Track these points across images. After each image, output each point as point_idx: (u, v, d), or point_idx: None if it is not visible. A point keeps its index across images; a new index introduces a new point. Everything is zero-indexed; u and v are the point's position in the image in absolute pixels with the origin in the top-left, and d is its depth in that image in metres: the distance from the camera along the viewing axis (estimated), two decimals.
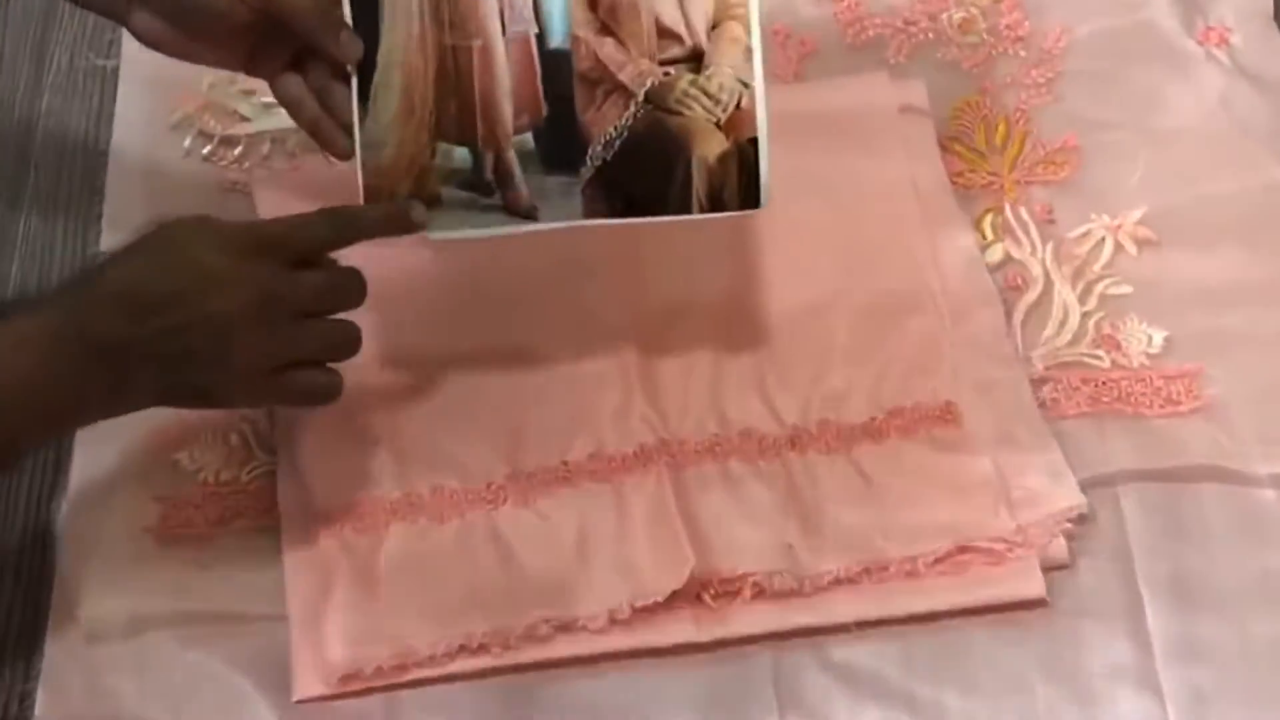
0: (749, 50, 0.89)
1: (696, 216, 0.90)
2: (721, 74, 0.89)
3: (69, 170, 1.10)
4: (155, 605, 0.90)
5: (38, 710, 0.87)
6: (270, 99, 0.98)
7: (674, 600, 0.87)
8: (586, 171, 0.90)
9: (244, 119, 1.10)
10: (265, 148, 1.09)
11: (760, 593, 0.88)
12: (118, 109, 1.12)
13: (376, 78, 0.89)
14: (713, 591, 0.88)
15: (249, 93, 1.10)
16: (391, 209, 0.89)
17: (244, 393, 0.88)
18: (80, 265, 1.02)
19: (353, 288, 0.87)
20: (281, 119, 1.05)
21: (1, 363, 0.80)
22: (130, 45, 1.10)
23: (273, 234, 0.87)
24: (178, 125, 1.10)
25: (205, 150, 1.09)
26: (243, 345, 0.83)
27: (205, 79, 1.10)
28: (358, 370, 0.93)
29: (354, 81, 0.89)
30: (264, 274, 0.84)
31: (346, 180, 0.90)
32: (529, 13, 0.90)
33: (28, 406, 0.81)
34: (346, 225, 0.88)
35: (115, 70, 1.13)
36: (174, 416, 0.94)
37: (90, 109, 1.12)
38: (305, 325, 0.86)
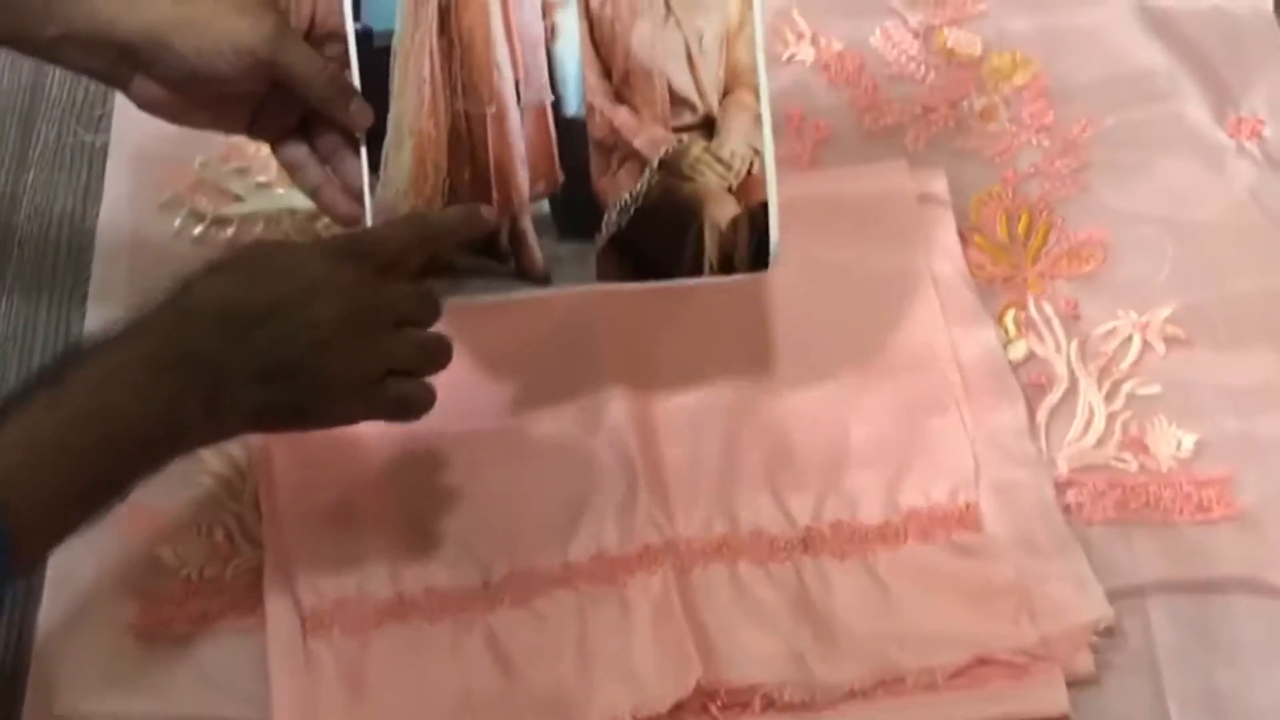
0: (759, 118, 0.90)
1: (707, 279, 0.90)
2: (732, 140, 0.90)
3: (53, 248, 1.10)
4: (133, 707, 0.90)
5: None
6: (264, 178, 0.98)
7: (679, 712, 0.86)
8: (602, 239, 0.91)
9: (237, 198, 1.10)
10: (258, 228, 1.09)
11: (770, 704, 0.87)
12: (106, 186, 1.11)
13: (387, 144, 0.90)
14: (720, 702, 0.87)
15: (242, 171, 1.10)
16: (467, 210, 0.90)
17: (342, 405, 0.87)
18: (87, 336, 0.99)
19: (436, 301, 0.88)
20: (276, 199, 1.06)
21: (96, 398, 0.78)
22: (121, 121, 1.11)
23: (362, 241, 0.88)
24: (168, 204, 1.10)
25: (196, 231, 1.09)
26: (343, 354, 0.83)
27: (197, 157, 1.10)
28: (348, 456, 0.94)
29: (364, 149, 0.90)
30: (359, 281, 0.84)
31: None
32: (544, 80, 0.91)
33: (125, 441, 0.79)
34: (429, 227, 0.89)
35: (104, 146, 1.13)
36: (154, 507, 0.94)
37: (77, 185, 1.12)
38: (401, 333, 0.86)
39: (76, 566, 0.94)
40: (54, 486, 0.76)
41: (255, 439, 0.97)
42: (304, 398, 0.84)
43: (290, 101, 0.91)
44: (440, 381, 0.96)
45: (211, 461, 0.97)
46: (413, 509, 0.95)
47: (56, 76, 1.17)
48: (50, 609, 0.93)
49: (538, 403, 0.98)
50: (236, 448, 0.97)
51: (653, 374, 0.99)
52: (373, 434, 0.95)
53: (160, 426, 0.80)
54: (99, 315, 1.04)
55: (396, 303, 0.86)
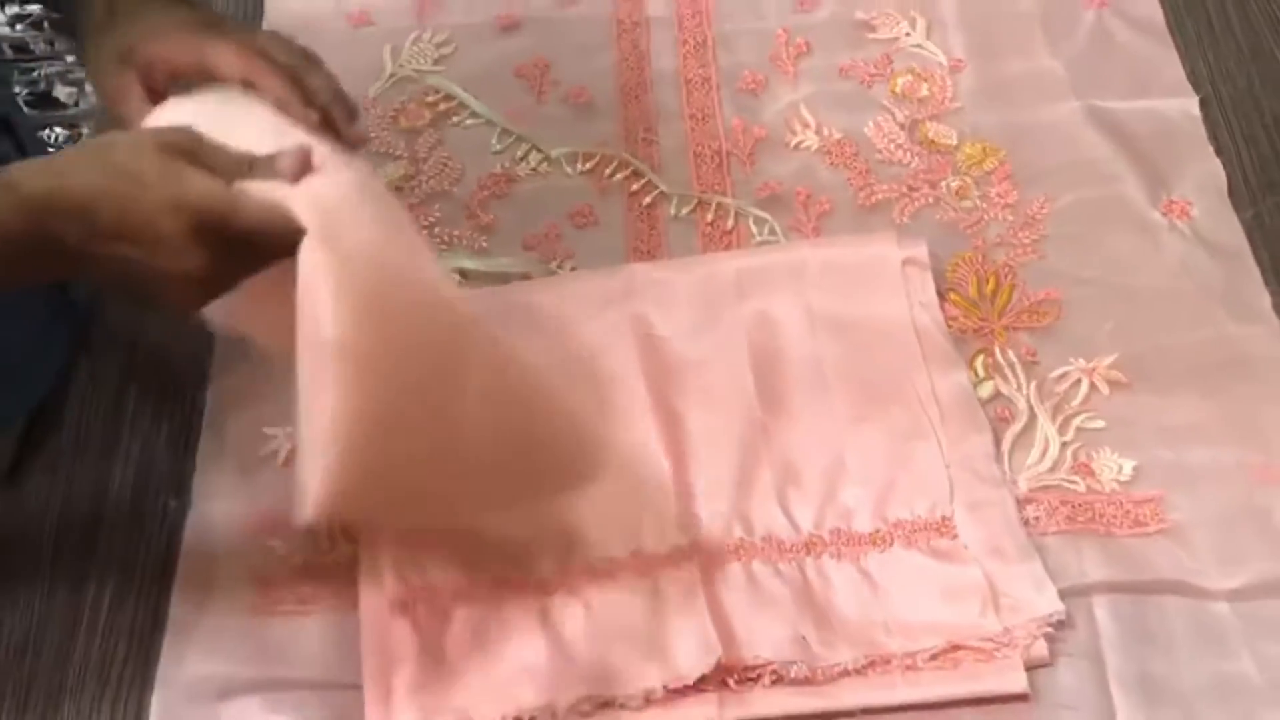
0: None
1: None
2: None
3: None
4: (246, 670, 0.90)
5: None
6: None
7: (701, 683, 0.86)
8: None
9: None
10: None
11: (778, 679, 0.87)
12: None
13: None
14: (736, 677, 0.87)
15: None
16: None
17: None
18: None
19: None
20: None
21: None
22: None
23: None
24: None
25: None
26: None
27: None
28: (437, 465, 0.94)
29: None
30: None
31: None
32: None
33: None
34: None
35: None
36: (271, 509, 0.95)
37: None
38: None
39: (205, 554, 0.94)
40: None
41: None
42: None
43: None
44: None
45: None
46: (485, 514, 0.94)
47: None
48: (181, 589, 0.93)
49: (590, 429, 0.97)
50: None
51: (683, 407, 0.99)
52: (452, 456, 0.93)
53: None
54: None
55: (191, 269, 0.78)
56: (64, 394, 1.02)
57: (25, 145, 0.98)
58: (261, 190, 0.77)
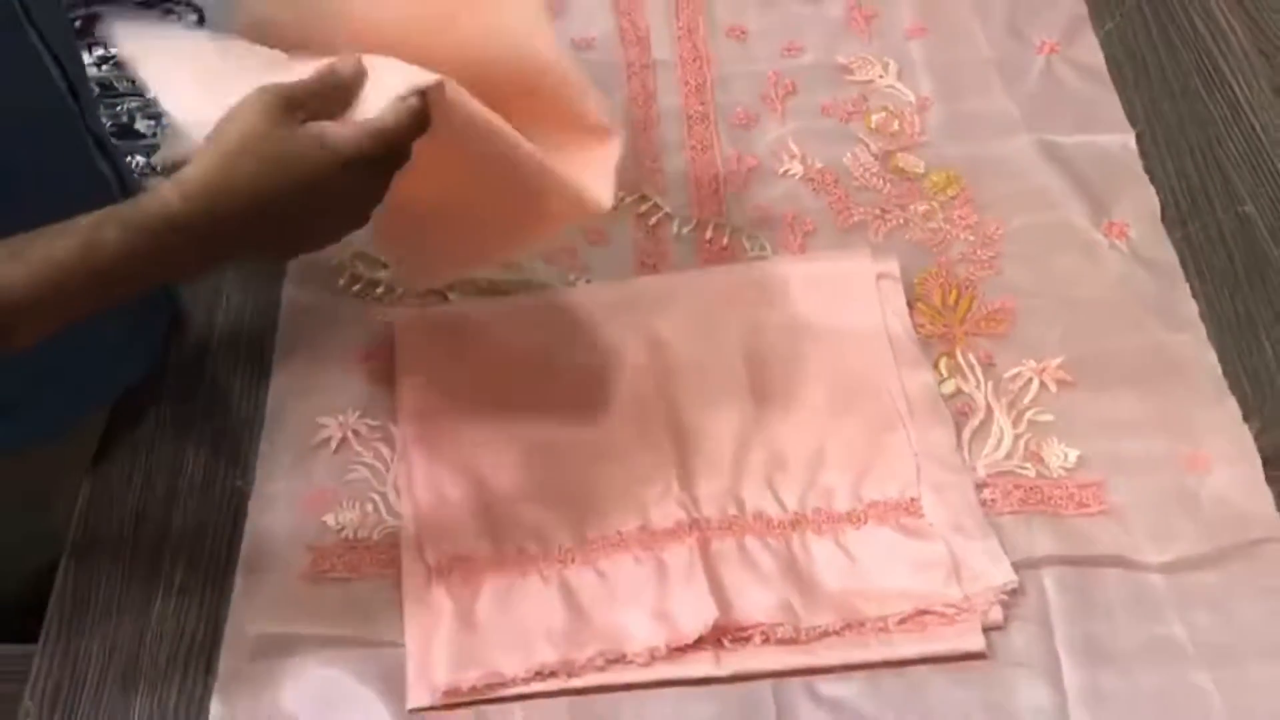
0: None
1: None
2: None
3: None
4: (304, 630, 0.89)
5: (212, 713, 0.86)
6: None
7: (700, 643, 0.86)
8: None
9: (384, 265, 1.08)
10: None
11: (766, 639, 0.87)
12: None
13: None
14: (730, 637, 0.87)
15: None
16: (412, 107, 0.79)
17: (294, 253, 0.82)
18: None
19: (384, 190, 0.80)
20: None
21: (120, 243, 0.72)
22: None
23: (368, 149, 0.78)
24: (336, 267, 1.07)
25: (355, 289, 1.06)
26: (325, 236, 0.80)
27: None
28: (465, 457, 0.94)
29: None
30: (360, 186, 0.78)
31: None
32: None
33: (123, 278, 0.73)
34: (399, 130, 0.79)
35: None
36: (323, 486, 0.95)
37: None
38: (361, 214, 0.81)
39: (267, 529, 0.94)
40: (47, 290, 0.71)
41: (398, 442, 0.97)
42: (278, 257, 0.81)
43: None
44: (529, 405, 0.97)
45: (366, 455, 0.98)
46: (510, 494, 0.94)
47: None
48: (246, 558, 0.93)
49: (603, 419, 0.98)
50: (384, 447, 0.98)
51: (685, 401, 0.99)
52: (481, 445, 0.96)
53: (159, 277, 0.77)
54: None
55: (380, 194, 0.80)
56: (148, 380, 1.02)
57: (120, 167, 0.97)
58: (364, 100, 0.78)
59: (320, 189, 0.75)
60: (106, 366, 0.98)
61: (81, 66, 0.95)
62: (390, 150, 0.78)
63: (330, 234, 0.80)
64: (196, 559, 0.94)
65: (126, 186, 0.98)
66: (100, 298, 0.74)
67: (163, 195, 0.73)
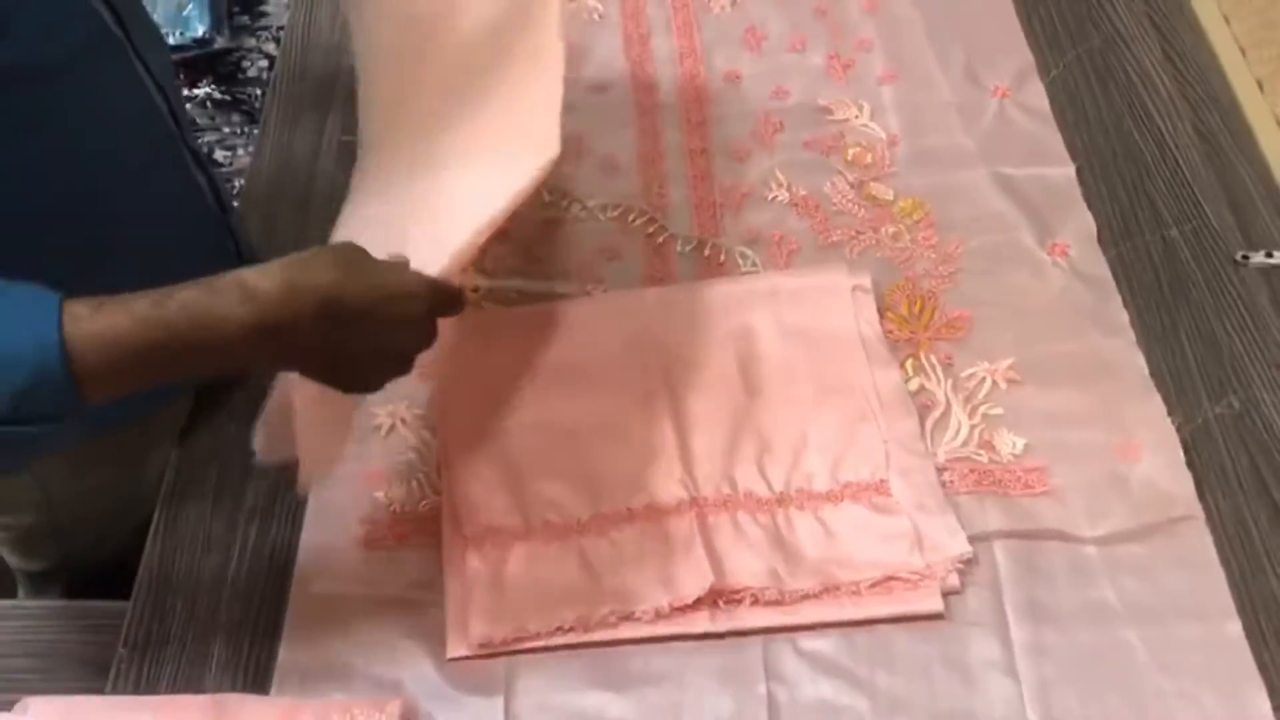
0: None
1: None
2: None
3: None
4: (358, 589, 0.90)
5: (279, 658, 0.87)
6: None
7: (698, 603, 0.87)
8: None
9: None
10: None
11: (755, 601, 0.88)
12: None
13: None
14: (724, 599, 0.88)
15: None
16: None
17: (359, 388, 0.78)
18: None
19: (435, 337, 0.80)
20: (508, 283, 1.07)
21: (189, 324, 0.66)
22: None
23: (438, 288, 0.78)
24: None
25: None
26: (389, 368, 0.78)
27: None
28: (495, 444, 0.94)
29: None
30: (421, 318, 0.77)
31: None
32: None
33: (191, 363, 0.69)
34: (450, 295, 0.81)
35: None
36: (376, 466, 0.95)
37: None
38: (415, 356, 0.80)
39: (326, 504, 0.95)
40: (119, 367, 0.65)
41: (439, 429, 0.97)
42: (343, 381, 0.76)
43: None
44: (552, 392, 0.97)
45: (412, 439, 0.98)
46: (535, 474, 0.95)
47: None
48: (309, 529, 0.94)
49: (616, 410, 0.98)
50: (428, 433, 0.98)
51: (685, 394, 0.99)
52: (510, 432, 0.96)
53: (225, 367, 0.72)
54: None
55: (429, 340, 0.80)
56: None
57: (214, 178, 0.98)
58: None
59: (384, 304, 0.72)
60: None
61: (179, 96, 0.97)
62: (440, 306, 0.78)
63: (381, 363, 0.77)
64: (265, 529, 0.94)
65: (220, 195, 0.99)
66: (166, 364, 0.67)
67: (238, 271, 0.70)
